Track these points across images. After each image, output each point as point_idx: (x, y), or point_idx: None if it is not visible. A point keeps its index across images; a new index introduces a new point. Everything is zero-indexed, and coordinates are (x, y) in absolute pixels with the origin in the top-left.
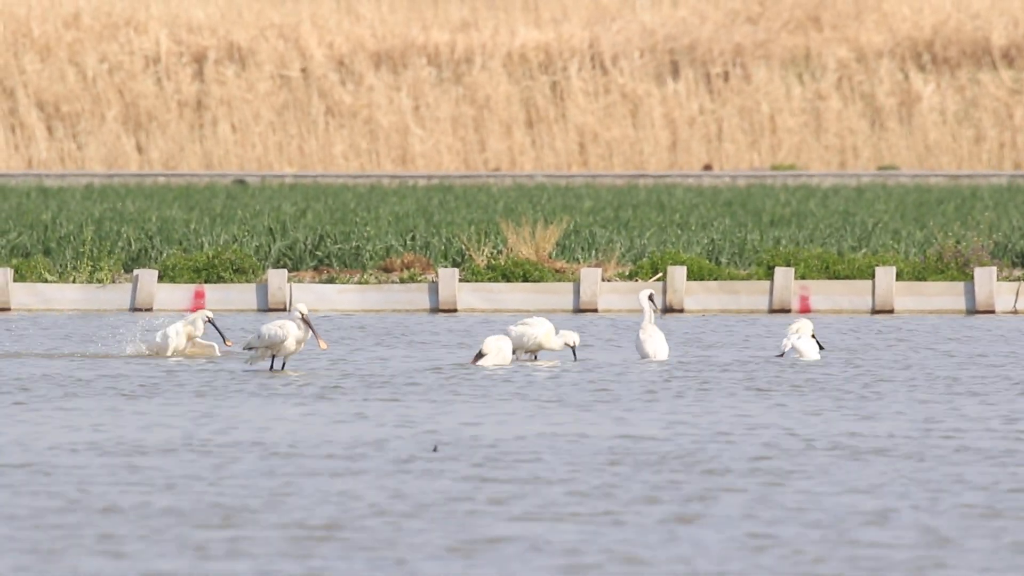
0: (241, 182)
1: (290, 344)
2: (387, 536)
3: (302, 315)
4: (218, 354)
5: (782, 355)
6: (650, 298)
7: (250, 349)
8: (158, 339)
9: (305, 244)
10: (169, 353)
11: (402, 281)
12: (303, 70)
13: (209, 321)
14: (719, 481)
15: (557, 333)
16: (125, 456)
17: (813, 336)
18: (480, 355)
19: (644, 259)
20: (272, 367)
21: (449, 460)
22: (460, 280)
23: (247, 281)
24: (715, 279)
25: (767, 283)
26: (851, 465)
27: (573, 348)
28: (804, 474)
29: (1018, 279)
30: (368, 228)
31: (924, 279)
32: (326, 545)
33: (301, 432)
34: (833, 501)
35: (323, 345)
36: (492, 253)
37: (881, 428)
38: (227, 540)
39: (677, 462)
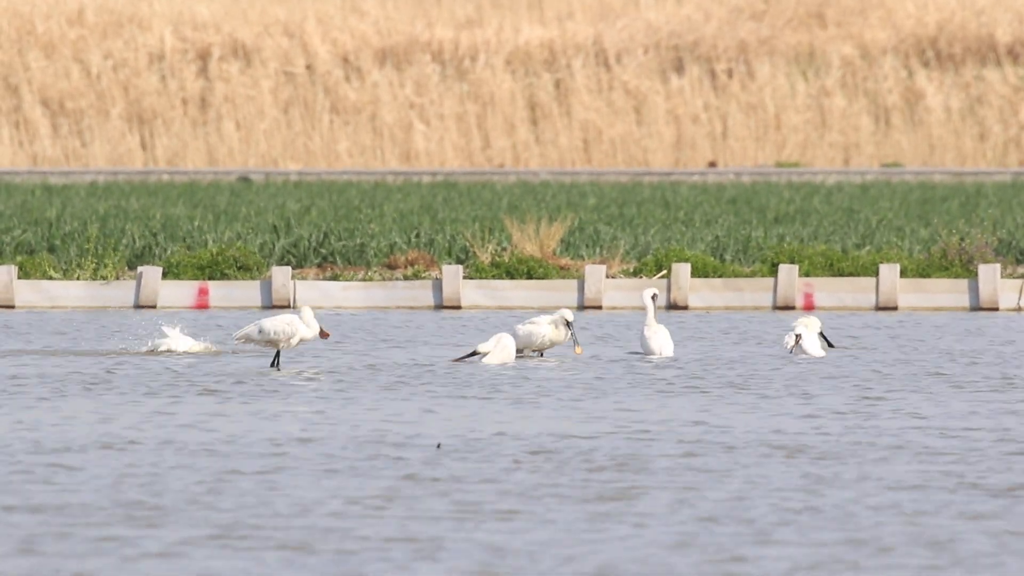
0: (245, 179)
1: (294, 341)
2: (337, 533)
3: (321, 331)
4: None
5: (790, 350)
6: (653, 297)
7: (247, 341)
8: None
9: (309, 241)
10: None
11: (406, 278)
12: (307, 67)
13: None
14: (644, 479)
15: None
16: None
17: (822, 334)
18: (474, 353)
19: (648, 256)
20: (273, 363)
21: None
22: (464, 277)
23: (251, 278)
24: (719, 276)
25: (771, 280)
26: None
27: (571, 328)
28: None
29: (1022, 276)
30: (372, 225)
31: (928, 276)
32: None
33: (294, 428)
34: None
35: (327, 334)
36: (496, 250)
37: (843, 427)
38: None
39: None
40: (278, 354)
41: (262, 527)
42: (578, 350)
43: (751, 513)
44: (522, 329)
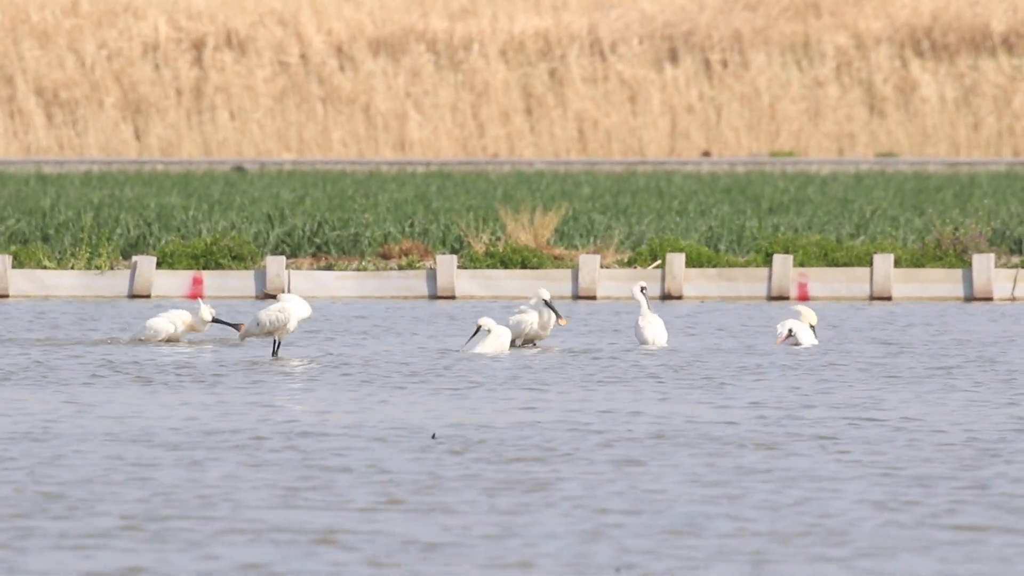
0: (239, 169)
1: (291, 326)
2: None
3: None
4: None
5: (788, 337)
6: (642, 290)
7: (248, 336)
8: (151, 330)
9: (303, 231)
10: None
11: (400, 268)
12: (302, 56)
13: (215, 320)
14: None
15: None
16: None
17: (812, 327)
18: (478, 329)
19: (643, 246)
20: (273, 353)
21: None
22: (458, 267)
23: (245, 268)
24: (714, 266)
25: (765, 270)
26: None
27: (550, 304)
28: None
29: (1016, 266)
30: (366, 215)
31: (922, 266)
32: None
33: (287, 419)
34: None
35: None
36: (491, 240)
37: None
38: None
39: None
40: (276, 343)
41: (184, 517)
42: (563, 322)
43: (652, 506)
44: (511, 320)
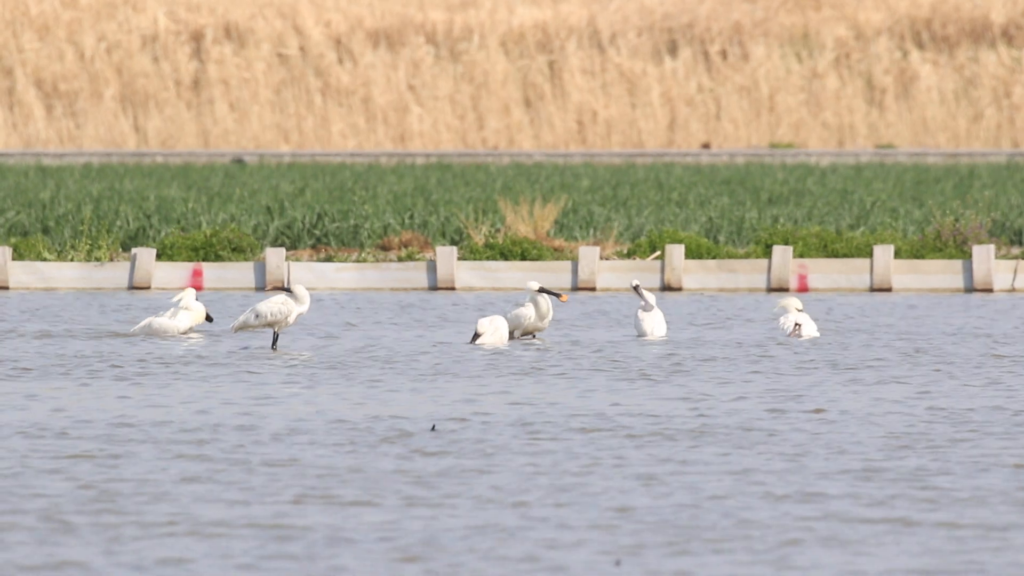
0: (239, 161)
1: (291, 320)
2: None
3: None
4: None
5: (788, 333)
6: (635, 288)
7: (245, 328)
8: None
9: (303, 223)
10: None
11: (400, 260)
12: (301, 49)
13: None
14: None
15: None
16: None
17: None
18: (476, 335)
19: (642, 237)
20: (273, 346)
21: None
22: (458, 258)
23: (245, 260)
24: (713, 257)
25: (765, 262)
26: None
27: (545, 290)
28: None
29: (1016, 257)
30: (366, 207)
31: (922, 257)
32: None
33: (286, 410)
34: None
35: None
36: (490, 231)
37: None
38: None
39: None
40: (276, 336)
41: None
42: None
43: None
44: (511, 313)
